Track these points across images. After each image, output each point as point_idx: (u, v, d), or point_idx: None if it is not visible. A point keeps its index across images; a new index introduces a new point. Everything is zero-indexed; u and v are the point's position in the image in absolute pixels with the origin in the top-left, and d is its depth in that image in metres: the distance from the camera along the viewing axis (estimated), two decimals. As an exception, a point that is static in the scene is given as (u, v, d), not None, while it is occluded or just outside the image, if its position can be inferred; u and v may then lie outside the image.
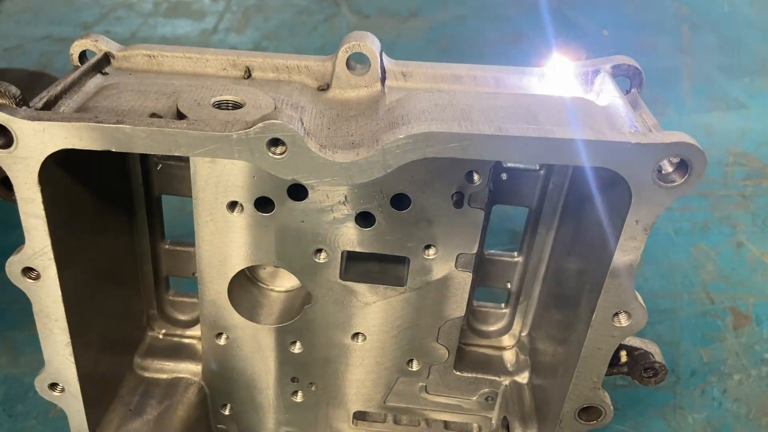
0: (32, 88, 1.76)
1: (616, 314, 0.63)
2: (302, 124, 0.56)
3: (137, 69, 0.71)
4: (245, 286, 0.83)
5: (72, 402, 0.73)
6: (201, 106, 0.60)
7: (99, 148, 0.56)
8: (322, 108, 0.67)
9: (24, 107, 0.57)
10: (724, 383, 1.16)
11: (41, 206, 0.60)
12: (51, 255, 0.63)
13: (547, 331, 0.80)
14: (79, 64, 0.71)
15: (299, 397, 0.87)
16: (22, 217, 0.61)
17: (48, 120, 0.55)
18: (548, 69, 0.71)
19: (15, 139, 0.56)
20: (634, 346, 0.68)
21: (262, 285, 0.86)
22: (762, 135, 1.62)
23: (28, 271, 0.64)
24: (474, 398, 0.86)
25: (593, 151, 0.54)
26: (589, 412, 0.70)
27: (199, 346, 0.88)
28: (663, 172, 0.55)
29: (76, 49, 0.71)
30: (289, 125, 0.55)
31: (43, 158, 0.57)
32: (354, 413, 0.88)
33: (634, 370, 0.67)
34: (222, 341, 0.83)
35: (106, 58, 0.71)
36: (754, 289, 1.29)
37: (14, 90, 0.56)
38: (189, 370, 0.87)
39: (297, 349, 0.82)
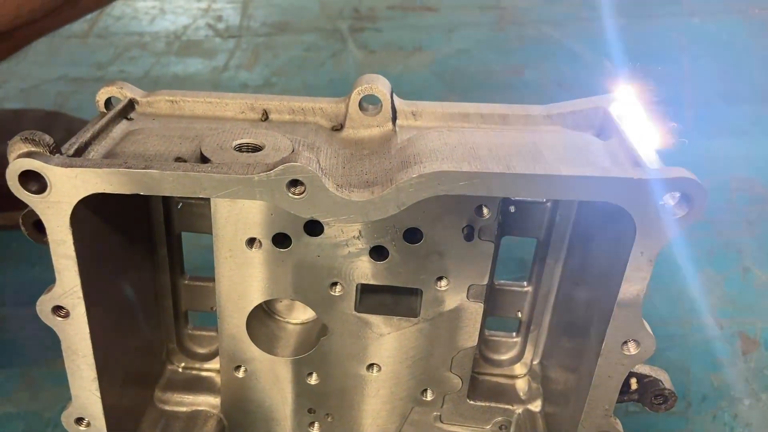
0: (49, 128, 1.81)
1: (625, 342, 0.65)
2: (319, 165, 0.59)
3: (160, 114, 0.75)
4: (263, 319, 0.85)
5: (97, 436, 0.75)
6: (223, 150, 0.63)
7: (128, 192, 0.60)
8: (336, 148, 0.70)
9: (57, 155, 0.60)
10: (735, 408, 1.17)
11: (72, 247, 0.63)
12: (80, 294, 0.65)
13: (558, 359, 0.82)
14: (105, 110, 0.74)
15: (316, 429, 0.89)
16: (54, 258, 0.64)
17: (80, 167, 0.58)
18: (552, 107, 0.74)
19: (49, 185, 0.59)
20: (643, 374, 0.70)
21: (279, 318, 0.88)
22: (765, 161, 1.65)
23: (57, 309, 0.67)
24: (488, 427, 0.88)
25: (597, 187, 0.57)
26: (601, 436, 0.72)
27: (217, 378, 0.90)
28: (666, 205, 0.58)
29: (102, 96, 0.74)
30: (308, 167, 0.58)
31: (75, 202, 0.60)
32: None
33: (645, 398, 0.69)
34: (240, 374, 0.85)
35: (131, 104, 0.74)
36: (761, 314, 1.30)
37: (48, 138, 0.60)
38: (208, 402, 0.89)
39: (313, 380, 0.84)
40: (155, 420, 0.86)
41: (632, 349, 0.65)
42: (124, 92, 0.74)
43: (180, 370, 0.91)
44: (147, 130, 0.69)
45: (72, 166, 0.58)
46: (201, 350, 0.92)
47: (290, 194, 0.59)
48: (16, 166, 0.58)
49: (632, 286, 0.62)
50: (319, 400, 0.86)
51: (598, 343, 0.66)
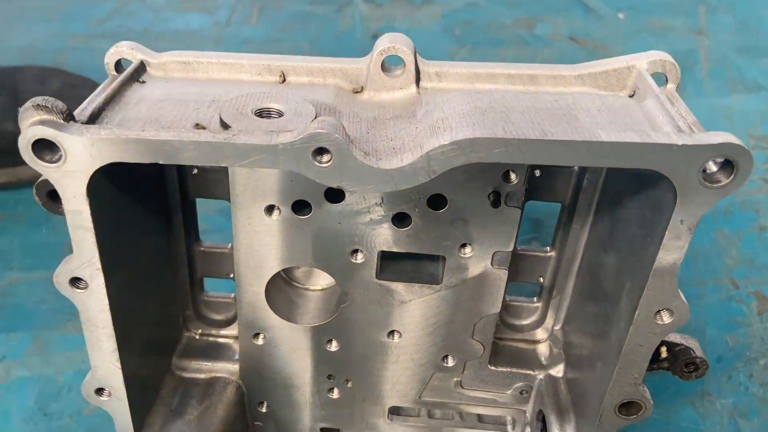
0: (47, 84, 1.75)
1: (659, 312, 0.64)
2: (345, 131, 0.57)
3: (173, 76, 0.71)
4: (281, 286, 0.84)
5: (118, 406, 0.74)
6: (243, 116, 0.60)
7: (147, 161, 0.57)
8: (359, 110, 0.68)
9: (71, 122, 0.57)
10: (750, 368, 1.17)
11: (89, 218, 0.60)
12: (98, 265, 0.63)
13: (582, 325, 0.81)
14: (116, 72, 0.71)
15: (335, 394, 0.88)
16: (70, 230, 0.62)
17: (97, 135, 0.56)
18: (582, 66, 0.71)
19: (64, 154, 0.57)
20: (674, 342, 0.68)
21: (297, 285, 0.87)
22: None
23: (76, 281, 0.65)
24: (509, 392, 0.87)
25: (639, 153, 0.54)
26: (629, 407, 0.71)
27: (235, 345, 0.89)
28: (708, 172, 0.56)
29: (111, 58, 0.71)
30: (335, 134, 0.55)
31: (91, 172, 0.58)
32: (389, 408, 0.89)
33: (675, 366, 0.68)
34: (259, 341, 0.84)
35: (143, 66, 0.71)
36: (777, 273, 1.29)
37: (61, 105, 0.57)
38: (226, 369, 0.88)
39: (333, 347, 0.83)
40: (174, 387, 0.86)
41: (666, 318, 0.64)
42: (134, 53, 0.71)
43: (197, 336, 0.90)
44: (162, 94, 0.66)
45: (86, 135, 0.56)
46: (218, 317, 0.91)
47: (316, 163, 0.56)
48: (29, 134, 0.56)
49: (669, 254, 0.60)
50: (338, 366, 0.85)
51: (630, 311, 0.65)
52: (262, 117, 0.62)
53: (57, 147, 0.56)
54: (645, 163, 0.55)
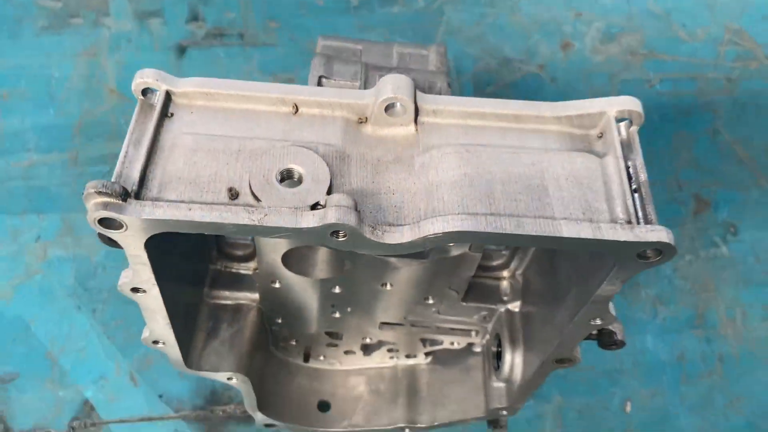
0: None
1: (593, 319, 0.83)
2: (357, 213, 0.69)
3: (196, 104, 0.79)
4: (297, 249, 1.00)
5: (170, 350, 0.95)
6: (270, 185, 0.72)
7: (193, 232, 0.70)
8: (364, 151, 0.78)
9: (129, 199, 0.69)
10: (676, 263, 1.41)
11: (146, 259, 0.75)
12: (154, 281, 0.79)
13: (537, 285, 1.00)
14: (143, 97, 0.78)
15: (337, 315, 1.10)
16: (130, 262, 0.77)
17: (152, 216, 0.68)
18: (561, 107, 0.80)
19: (125, 226, 0.69)
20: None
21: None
22: (763, 9, 1.63)
23: (136, 290, 0.81)
24: (475, 317, 1.10)
25: (591, 243, 0.69)
26: (563, 361, 0.94)
27: (252, 276, 1.08)
28: (642, 254, 0.71)
29: (138, 87, 0.78)
30: (348, 223, 0.68)
31: (147, 237, 0.71)
32: (380, 323, 1.13)
33: (600, 342, 0.89)
34: (276, 285, 1.03)
35: (168, 97, 0.78)
36: (719, 176, 1.47)
37: (118, 188, 0.68)
38: (247, 297, 1.08)
39: (337, 290, 1.03)
40: (207, 314, 1.06)
41: (599, 321, 0.84)
42: (159, 84, 0.78)
43: (222, 269, 1.08)
44: (192, 141, 0.75)
45: (143, 216, 0.68)
46: (238, 252, 1.08)
47: (333, 238, 0.70)
48: (94, 215, 0.68)
49: (605, 293, 0.77)
50: (340, 301, 1.06)
51: (572, 311, 0.84)
52: (285, 181, 0.73)
53: (119, 222, 0.69)
54: (595, 248, 0.70)
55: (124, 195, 0.69)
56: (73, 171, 1.51)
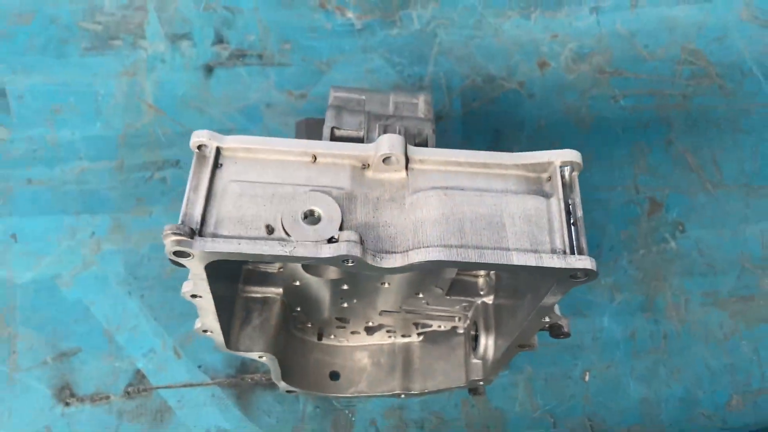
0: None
1: (543, 317, 1.09)
2: (362, 245, 0.94)
3: (239, 156, 1.03)
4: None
5: (216, 336, 1.21)
6: (297, 223, 0.96)
7: (241, 260, 0.95)
8: (367, 191, 1.03)
9: (195, 237, 0.93)
10: (632, 256, 1.65)
11: (205, 275, 1.00)
12: (208, 290, 1.05)
13: (505, 281, 1.26)
14: (198, 150, 1.02)
15: (345, 305, 1.36)
16: (191, 277, 1.02)
17: (213, 250, 0.93)
18: (519, 156, 1.04)
19: (192, 255, 0.94)
20: (552, 321, 1.15)
21: None
22: (715, 30, 1.82)
23: (194, 296, 1.07)
24: (458, 307, 1.36)
25: (536, 269, 0.94)
26: (524, 346, 1.20)
27: (277, 274, 1.34)
28: (573, 276, 0.96)
29: (194, 144, 1.02)
30: (357, 255, 0.93)
31: (207, 262, 0.96)
32: (380, 311, 1.39)
33: (551, 332, 1.15)
34: (297, 283, 1.28)
35: (218, 151, 1.03)
36: (671, 181, 1.70)
37: (187, 229, 0.93)
38: (273, 291, 1.33)
39: (345, 287, 1.29)
40: (241, 305, 1.32)
41: (548, 319, 1.09)
42: (212, 143, 1.02)
43: (253, 269, 1.34)
44: (238, 188, 1.00)
45: (206, 249, 0.93)
46: (265, 256, 1.33)
47: (344, 264, 0.95)
48: (171, 249, 0.93)
49: (548, 302, 1.03)
50: (348, 294, 1.32)
51: (527, 313, 1.10)
52: (307, 218, 0.98)
53: (189, 253, 0.94)
54: (538, 272, 0.95)
55: (191, 233, 0.94)
56: (120, 176, 1.75)
